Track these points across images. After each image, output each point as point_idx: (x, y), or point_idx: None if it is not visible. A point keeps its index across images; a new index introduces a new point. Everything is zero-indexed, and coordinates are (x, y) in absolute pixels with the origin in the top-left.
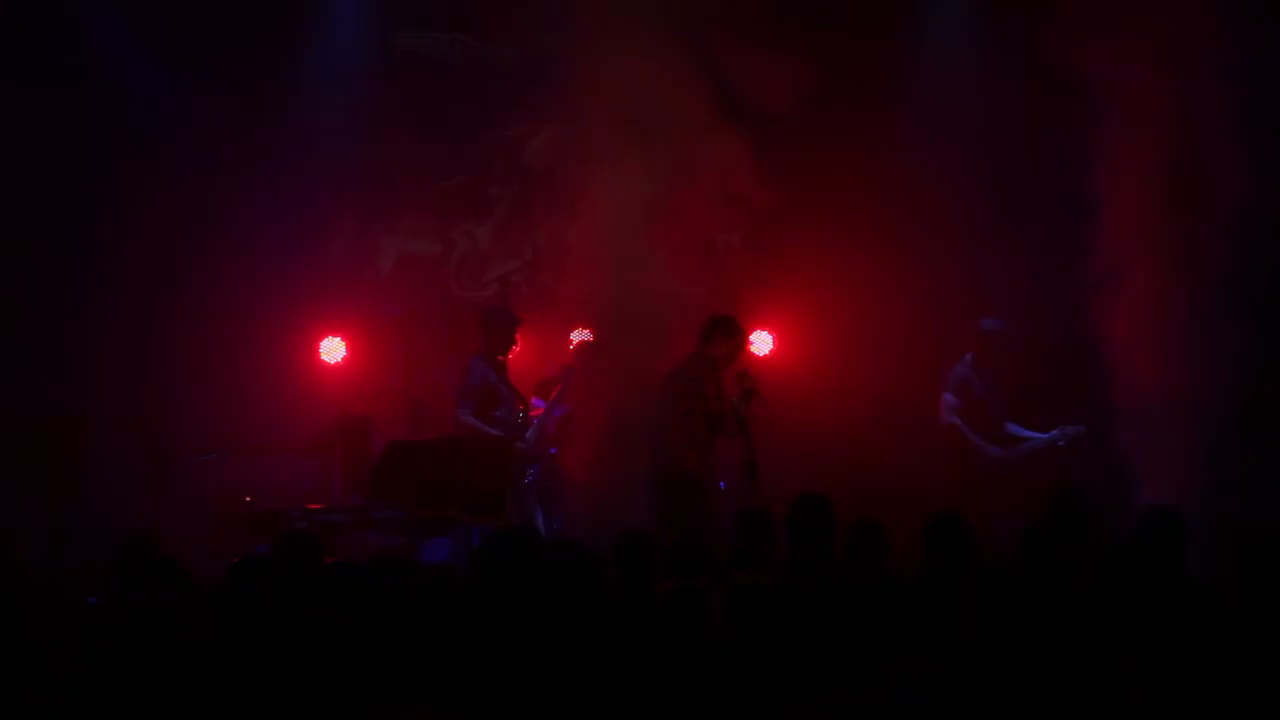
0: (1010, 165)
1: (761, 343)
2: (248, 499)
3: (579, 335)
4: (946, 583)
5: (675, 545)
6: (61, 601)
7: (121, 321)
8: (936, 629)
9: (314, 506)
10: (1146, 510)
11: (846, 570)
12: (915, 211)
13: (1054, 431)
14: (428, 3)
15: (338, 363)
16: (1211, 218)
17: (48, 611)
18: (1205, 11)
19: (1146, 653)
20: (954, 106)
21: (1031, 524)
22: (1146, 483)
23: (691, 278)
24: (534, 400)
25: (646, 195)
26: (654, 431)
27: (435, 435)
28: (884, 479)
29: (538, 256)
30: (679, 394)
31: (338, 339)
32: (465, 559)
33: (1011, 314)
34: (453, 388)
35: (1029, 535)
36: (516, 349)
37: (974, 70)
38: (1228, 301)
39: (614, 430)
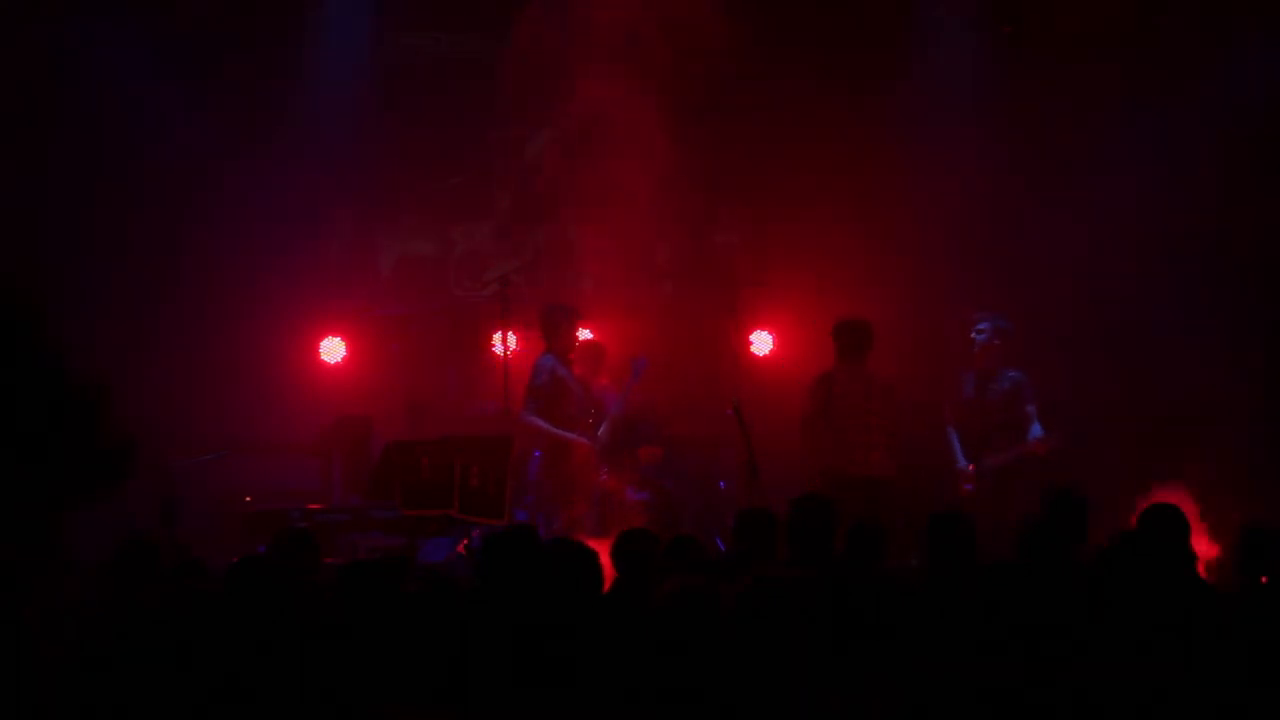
0: (1011, 165)
1: (761, 343)
2: (248, 499)
3: (579, 335)
4: (946, 583)
5: (674, 542)
6: (62, 601)
7: (121, 321)
8: (936, 629)
9: (314, 506)
10: (1149, 509)
11: (846, 570)
12: (916, 211)
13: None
14: (428, 3)
15: (338, 363)
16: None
17: (49, 611)
18: None
19: (1146, 652)
20: (956, 106)
21: (1031, 524)
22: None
23: (691, 277)
24: None
25: (646, 194)
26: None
27: (435, 435)
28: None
29: (538, 256)
30: (856, 410)
31: (338, 339)
32: (465, 559)
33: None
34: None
35: (1029, 535)
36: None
37: (975, 68)
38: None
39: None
